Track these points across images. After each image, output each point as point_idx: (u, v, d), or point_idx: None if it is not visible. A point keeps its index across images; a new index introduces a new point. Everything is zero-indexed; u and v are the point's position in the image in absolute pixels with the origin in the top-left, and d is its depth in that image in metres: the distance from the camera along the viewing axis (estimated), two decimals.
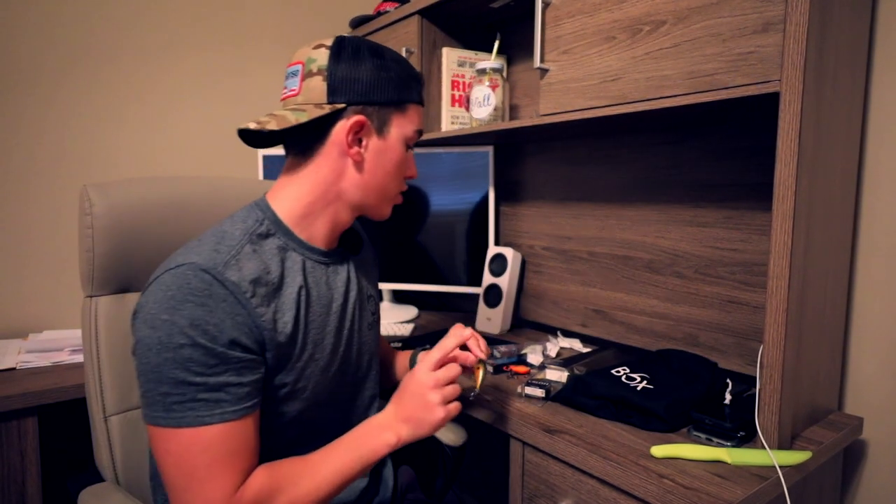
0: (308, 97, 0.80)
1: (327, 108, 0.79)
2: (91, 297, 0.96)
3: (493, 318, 1.55)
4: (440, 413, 0.80)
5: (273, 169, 1.75)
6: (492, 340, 1.43)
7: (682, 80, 0.96)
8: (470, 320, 1.66)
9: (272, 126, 0.77)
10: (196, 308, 0.69)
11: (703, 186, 1.24)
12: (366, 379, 0.95)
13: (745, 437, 0.89)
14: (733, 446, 0.87)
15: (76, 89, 1.55)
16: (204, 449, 0.69)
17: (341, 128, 0.80)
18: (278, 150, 1.74)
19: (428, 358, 0.83)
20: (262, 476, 0.73)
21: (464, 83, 1.61)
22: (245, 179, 1.14)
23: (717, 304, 1.22)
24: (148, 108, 1.66)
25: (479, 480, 1.81)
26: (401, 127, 0.85)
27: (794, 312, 0.86)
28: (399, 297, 1.93)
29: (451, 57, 1.58)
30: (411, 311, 1.75)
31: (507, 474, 1.04)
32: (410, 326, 1.59)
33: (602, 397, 0.99)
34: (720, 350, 1.22)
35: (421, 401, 0.80)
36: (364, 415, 0.94)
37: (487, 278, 1.59)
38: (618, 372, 1.07)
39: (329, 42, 0.81)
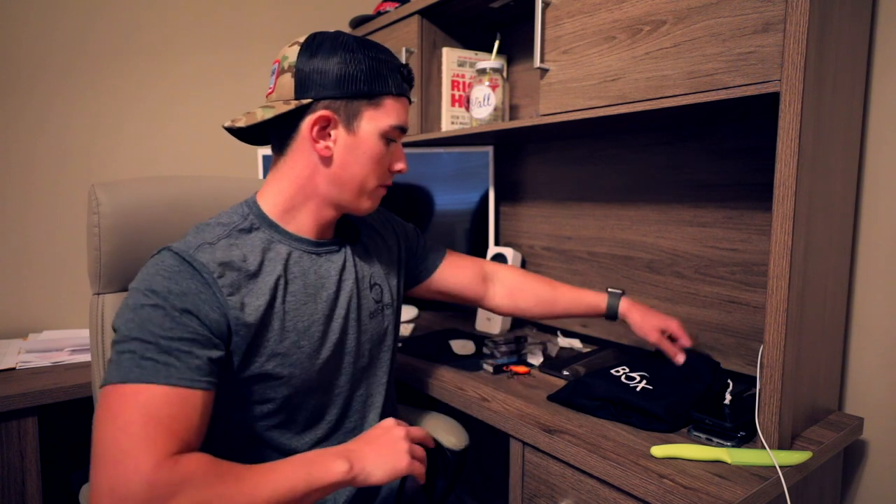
0: (280, 94, 0.83)
1: (293, 104, 0.80)
2: (98, 294, 0.97)
3: (492, 318, 1.55)
4: (405, 460, 0.78)
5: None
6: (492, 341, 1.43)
7: (682, 80, 0.96)
8: (470, 320, 1.66)
9: (241, 123, 0.82)
10: (163, 280, 0.73)
11: (703, 186, 1.24)
12: (368, 368, 0.95)
13: (745, 437, 0.89)
14: (733, 446, 0.87)
15: (77, 90, 1.55)
16: (143, 406, 0.65)
17: (307, 123, 0.82)
18: None
19: (398, 422, 0.83)
20: (204, 460, 0.67)
21: (464, 83, 1.61)
22: (250, 179, 1.14)
23: (717, 304, 1.22)
24: (148, 109, 1.66)
25: (479, 481, 1.81)
26: (374, 121, 0.84)
27: (794, 312, 0.86)
28: None
29: (451, 57, 1.58)
30: (411, 311, 1.75)
31: (507, 474, 1.04)
32: (410, 326, 1.59)
33: (602, 399, 0.99)
34: (720, 350, 1.22)
35: (390, 442, 0.79)
36: (364, 406, 0.94)
37: None
38: (617, 371, 1.07)
39: (303, 39, 0.83)
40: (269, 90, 0.85)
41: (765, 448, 0.86)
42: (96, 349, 0.96)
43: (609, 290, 1.16)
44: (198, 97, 1.74)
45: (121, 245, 0.96)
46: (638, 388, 0.98)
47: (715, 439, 0.89)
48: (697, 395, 0.98)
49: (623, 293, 1.15)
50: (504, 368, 1.23)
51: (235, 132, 0.88)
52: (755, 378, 1.12)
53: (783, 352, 0.84)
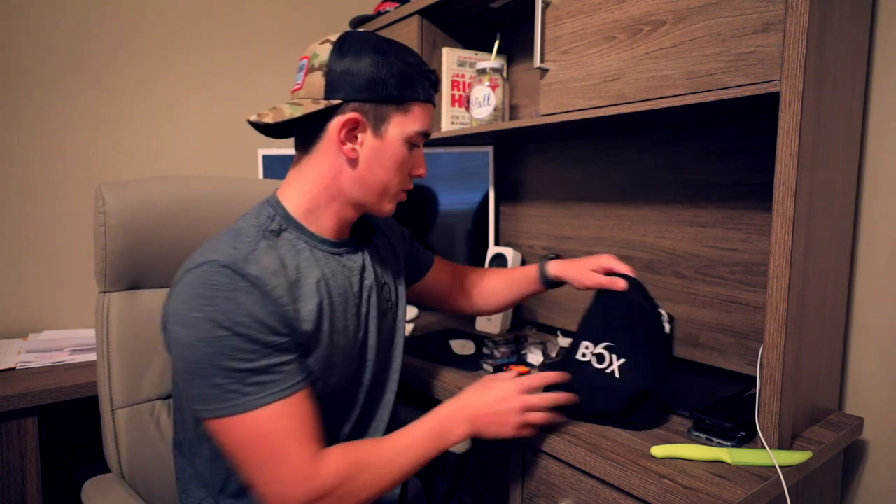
0: (308, 92, 0.82)
1: (322, 104, 0.80)
2: (104, 292, 0.98)
3: (492, 318, 1.55)
4: (512, 431, 0.85)
5: (273, 168, 1.75)
6: (492, 341, 1.43)
7: (682, 80, 0.96)
8: (470, 320, 1.66)
9: (268, 119, 0.81)
10: (225, 302, 0.71)
11: (703, 186, 1.24)
12: (386, 365, 0.97)
13: (745, 437, 0.89)
14: (733, 446, 0.87)
15: (77, 89, 1.55)
16: (271, 429, 0.72)
17: (335, 124, 0.81)
18: (278, 150, 1.74)
19: (524, 380, 0.88)
20: (341, 455, 0.76)
21: (464, 83, 1.61)
22: (253, 179, 1.15)
23: (717, 304, 1.22)
24: (149, 108, 1.66)
25: (479, 481, 1.81)
26: (401, 126, 0.83)
27: (794, 312, 0.86)
28: None
29: (451, 57, 1.58)
30: (412, 311, 1.75)
31: (507, 474, 1.04)
32: (410, 326, 1.59)
33: (598, 415, 0.96)
34: (720, 350, 1.22)
35: (505, 413, 0.85)
36: (380, 403, 0.97)
37: None
38: (584, 356, 0.98)
39: (335, 37, 0.82)
40: (297, 86, 0.83)
41: (765, 448, 0.86)
42: (102, 347, 0.97)
43: (539, 259, 1.13)
44: (199, 97, 1.74)
45: (126, 244, 0.97)
46: (616, 373, 0.93)
47: (715, 439, 0.89)
48: (665, 343, 0.96)
49: (555, 257, 1.11)
50: (504, 368, 1.23)
51: (260, 127, 0.86)
52: (755, 378, 1.12)
53: (783, 352, 0.84)
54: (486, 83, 1.41)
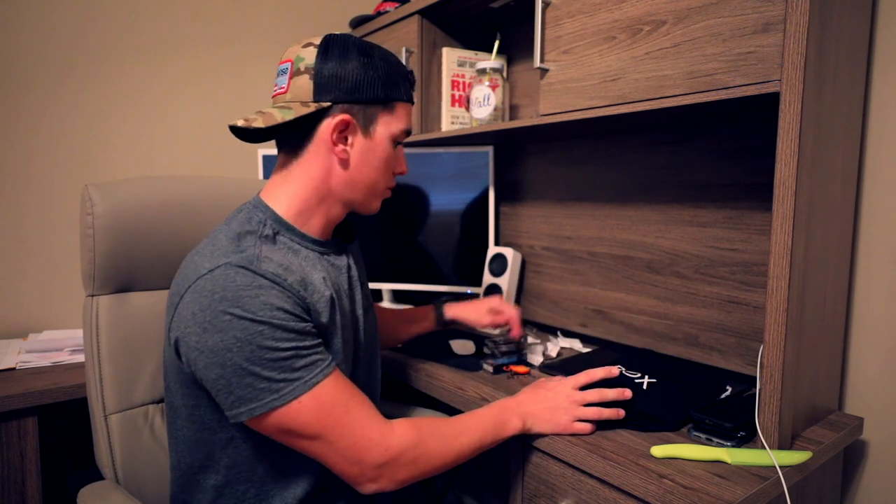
0: (295, 95, 0.82)
1: (313, 107, 0.81)
2: (92, 296, 0.96)
3: None
4: (567, 426, 0.89)
5: (272, 168, 1.75)
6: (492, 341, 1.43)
7: (682, 80, 0.96)
8: None
9: (258, 124, 0.80)
10: (252, 300, 0.72)
11: (703, 186, 1.24)
12: (373, 360, 1.00)
13: (745, 437, 0.89)
14: (733, 446, 0.87)
15: (74, 88, 1.55)
16: (331, 403, 0.75)
17: (327, 126, 0.82)
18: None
19: (576, 377, 0.93)
20: (406, 423, 0.80)
21: (464, 83, 1.61)
22: (246, 179, 1.15)
23: (717, 304, 1.22)
24: (146, 107, 1.66)
25: (479, 481, 1.81)
26: (387, 125, 0.86)
27: (794, 312, 0.86)
28: (399, 297, 1.93)
29: (451, 57, 1.58)
30: None
31: (507, 474, 1.04)
32: None
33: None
34: (720, 350, 1.22)
35: (559, 409, 0.90)
36: (374, 393, 0.99)
37: (487, 278, 1.59)
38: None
39: (317, 41, 0.83)
40: (281, 90, 0.84)
41: (765, 448, 0.86)
42: (92, 351, 0.95)
43: (434, 302, 1.29)
44: (196, 95, 1.74)
45: (115, 246, 0.95)
46: (644, 385, 0.96)
47: (715, 439, 0.89)
48: (700, 392, 0.98)
49: (445, 300, 1.29)
50: (504, 368, 1.23)
51: (244, 131, 0.85)
52: (755, 378, 1.12)
53: (783, 352, 0.84)
54: (486, 83, 1.41)
